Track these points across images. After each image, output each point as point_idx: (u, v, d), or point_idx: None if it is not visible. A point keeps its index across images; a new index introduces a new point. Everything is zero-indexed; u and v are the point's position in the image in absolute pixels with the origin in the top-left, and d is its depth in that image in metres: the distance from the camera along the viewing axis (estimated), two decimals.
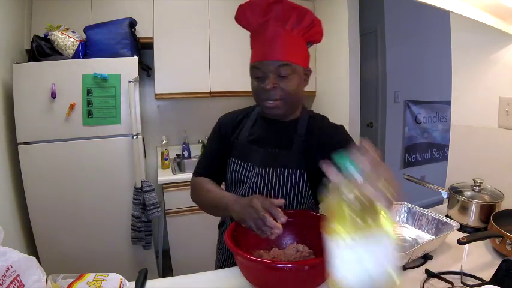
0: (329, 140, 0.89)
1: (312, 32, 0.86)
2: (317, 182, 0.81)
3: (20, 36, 1.96)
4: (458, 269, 0.81)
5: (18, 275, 0.58)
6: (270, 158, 0.91)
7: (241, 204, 0.79)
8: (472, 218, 1.09)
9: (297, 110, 0.94)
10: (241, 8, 0.86)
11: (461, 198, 1.12)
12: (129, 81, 1.84)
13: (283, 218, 0.74)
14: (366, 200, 0.39)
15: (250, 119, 0.98)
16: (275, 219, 0.74)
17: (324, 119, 0.98)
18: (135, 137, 1.87)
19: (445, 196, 1.22)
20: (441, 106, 3.59)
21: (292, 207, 0.92)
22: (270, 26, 0.82)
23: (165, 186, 2.12)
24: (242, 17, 0.87)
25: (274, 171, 0.90)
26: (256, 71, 0.85)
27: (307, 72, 0.90)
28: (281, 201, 0.78)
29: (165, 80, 2.27)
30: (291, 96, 0.85)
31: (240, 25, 0.89)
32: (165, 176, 2.17)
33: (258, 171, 0.91)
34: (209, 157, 1.02)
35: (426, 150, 3.66)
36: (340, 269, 0.38)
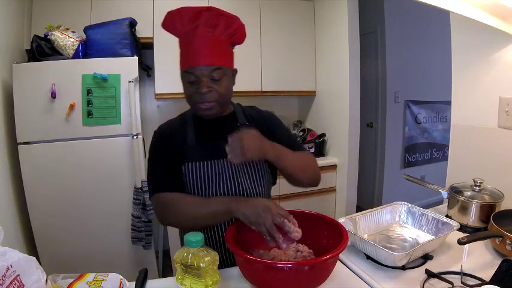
0: (268, 123, 1.02)
1: (237, 36, 0.92)
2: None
3: (20, 36, 1.96)
4: (458, 269, 0.81)
5: (18, 275, 0.58)
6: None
7: (254, 207, 0.78)
8: (472, 218, 1.09)
9: (228, 106, 1.01)
10: (170, 14, 0.89)
11: (461, 198, 1.12)
12: (129, 81, 1.84)
13: (296, 224, 0.77)
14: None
15: (189, 124, 0.99)
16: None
17: (254, 107, 1.08)
18: (135, 137, 1.87)
19: (445, 196, 1.22)
20: (441, 106, 3.59)
21: (259, 189, 0.98)
22: (200, 32, 0.85)
23: None
24: (170, 23, 0.90)
25: None
26: (189, 75, 0.87)
27: (234, 73, 0.96)
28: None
29: (165, 80, 2.26)
30: (224, 97, 0.91)
31: (167, 31, 0.93)
32: None
33: (221, 164, 0.94)
34: (163, 170, 0.94)
35: (426, 150, 3.66)
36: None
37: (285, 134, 1.04)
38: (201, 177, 0.94)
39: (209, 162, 0.94)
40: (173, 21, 0.89)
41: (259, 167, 0.98)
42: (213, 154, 0.94)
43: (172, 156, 0.95)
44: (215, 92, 0.88)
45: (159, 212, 0.92)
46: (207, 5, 0.89)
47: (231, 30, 0.89)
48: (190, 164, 0.94)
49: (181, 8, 0.87)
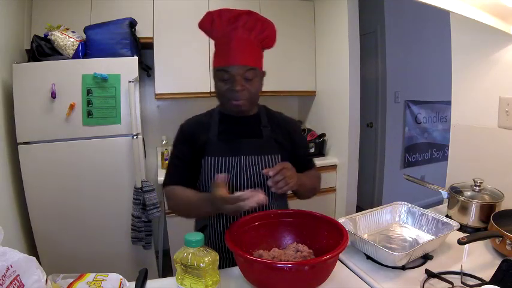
0: (290, 130, 1.08)
1: (268, 40, 0.98)
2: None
3: (20, 36, 1.96)
4: (458, 269, 0.81)
5: (18, 275, 0.58)
6: (247, 147, 1.00)
7: (214, 207, 0.83)
8: (472, 218, 1.09)
9: (255, 106, 1.06)
10: (210, 14, 0.93)
11: (461, 198, 1.12)
12: (129, 81, 1.84)
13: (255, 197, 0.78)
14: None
15: (214, 119, 1.04)
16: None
17: (280, 112, 1.14)
18: (135, 137, 1.87)
19: (445, 196, 1.22)
20: (441, 106, 3.59)
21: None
22: (238, 33, 0.91)
23: None
24: (209, 23, 0.94)
25: (254, 158, 0.99)
26: (223, 73, 0.92)
27: (263, 75, 1.02)
28: (222, 177, 0.83)
29: (165, 80, 2.27)
30: (254, 96, 0.97)
31: (203, 31, 0.97)
32: None
33: (239, 161, 0.98)
34: (179, 164, 1.03)
35: (426, 150, 3.66)
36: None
37: (301, 145, 1.13)
38: (216, 173, 0.98)
39: (227, 158, 0.98)
40: (212, 21, 0.93)
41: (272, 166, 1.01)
42: (233, 151, 0.99)
43: (192, 151, 1.01)
44: (247, 91, 0.93)
45: (166, 202, 1.04)
46: (247, 9, 0.93)
47: (264, 35, 0.95)
48: (210, 158, 0.99)
49: (222, 9, 0.93)
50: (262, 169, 1.00)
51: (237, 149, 0.99)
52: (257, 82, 0.96)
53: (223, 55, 0.93)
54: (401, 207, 1.12)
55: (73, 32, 1.90)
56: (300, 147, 1.10)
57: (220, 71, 0.93)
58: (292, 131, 1.09)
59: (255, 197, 0.77)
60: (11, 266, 0.56)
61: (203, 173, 1.00)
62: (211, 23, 0.94)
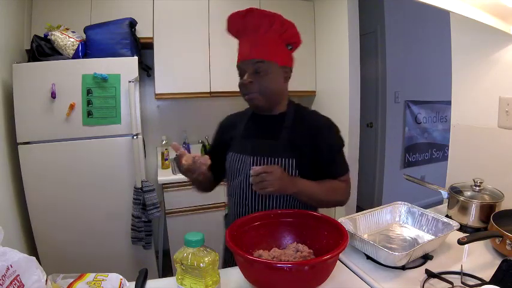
0: (316, 131, 1.00)
1: (288, 34, 0.97)
2: (307, 170, 0.97)
3: (20, 36, 1.96)
4: (458, 269, 0.81)
5: (18, 275, 0.58)
6: (260, 148, 1.00)
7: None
8: (472, 218, 1.09)
9: (280, 104, 1.03)
10: (227, 21, 1.00)
11: (461, 198, 1.12)
12: (129, 81, 1.84)
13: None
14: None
15: (244, 118, 1.09)
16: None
17: (314, 112, 1.08)
18: (135, 137, 1.87)
19: (445, 196, 1.22)
20: (441, 106, 3.59)
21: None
22: (247, 32, 0.96)
23: (165, 186, 2.12)
24: (228, 26, 1.00)
25: (264, 159, 0.99)
26: (239, 70, 0.98)
27: (287, 70, 1.01)
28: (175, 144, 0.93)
29: (165, 80, 2.27)
30: (268, 90, 0.96)
31: (232, 36, 1.02)
32: (165, 176, 2.17)
33: (250, 160, 1.00)
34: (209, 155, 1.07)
35: (426, 150, 3.66)
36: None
37: (325, 151, 1.00)
38: (233, 168, 1.03)
39: (242, 156, 1.02)
40: (229, 25, 0.99)
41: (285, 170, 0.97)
42: (247, 150, 1.02)
43: (221, 146, 1.09)
44: (257, 83, 0.94)
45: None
46: (249, 7, 0.95)
47: (275, 28, 0.94)
48: (231, 153, 1.05)
49: (232, 13, 0.98)
50: None
51: (250, 148, 1.01)
52: (272, 76, 0.95)
53: (238, 53, 0.99)
54: (401, 207, 1.12)
55: (73, 32, 1.90)
56: (322, 152, 0.99)
57: (237, 68, 0.99)
58: (317, 134, 0.99)
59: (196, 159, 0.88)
60: (11, 266, 0.56)
61: (226, 166, 1.07)
62: (229, 27, 1.00)
